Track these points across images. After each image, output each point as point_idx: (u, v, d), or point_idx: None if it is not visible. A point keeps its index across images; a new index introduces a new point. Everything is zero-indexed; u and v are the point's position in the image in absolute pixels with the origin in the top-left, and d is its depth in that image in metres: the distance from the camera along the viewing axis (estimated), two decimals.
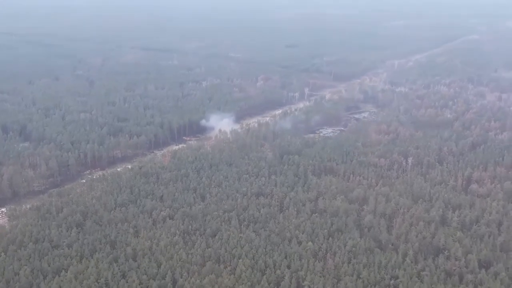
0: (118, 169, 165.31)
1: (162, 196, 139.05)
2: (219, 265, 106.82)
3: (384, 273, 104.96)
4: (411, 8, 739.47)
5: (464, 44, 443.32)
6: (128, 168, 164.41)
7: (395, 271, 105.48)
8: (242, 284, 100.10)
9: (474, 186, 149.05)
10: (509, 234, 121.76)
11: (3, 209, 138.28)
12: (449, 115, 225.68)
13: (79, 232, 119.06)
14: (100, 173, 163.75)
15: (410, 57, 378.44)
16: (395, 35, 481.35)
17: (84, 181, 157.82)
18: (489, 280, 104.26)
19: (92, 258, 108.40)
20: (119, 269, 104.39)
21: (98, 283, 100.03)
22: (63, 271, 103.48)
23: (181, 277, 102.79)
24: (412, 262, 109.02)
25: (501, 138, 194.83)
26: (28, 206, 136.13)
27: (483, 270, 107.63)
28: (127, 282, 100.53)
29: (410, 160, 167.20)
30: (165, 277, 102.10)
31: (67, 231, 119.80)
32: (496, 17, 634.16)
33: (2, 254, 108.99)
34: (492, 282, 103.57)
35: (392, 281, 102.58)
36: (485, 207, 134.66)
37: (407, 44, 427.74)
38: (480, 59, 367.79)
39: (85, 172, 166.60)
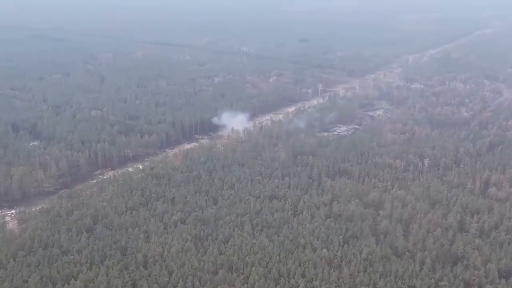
0: (129, 169, 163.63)
1: (173, 198, 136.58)
2: (231, 274, 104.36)
3: (401, 283, 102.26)
4: (423, 1, 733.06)
5: (478, 39, 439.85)
6: (139, 168, 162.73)
7: (412, 281, 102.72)
8: None
9: (492, 189, 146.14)
10: None
11: (12, 211, 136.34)
12: (465, 114, 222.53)
13: (89, 237, 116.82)
14: (111, 173, 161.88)
15: (424, 52, 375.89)
16: (409, 29, 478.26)
17: (94, 181, 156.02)
18: None
19: (102, 265, 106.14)
20: (129, 277, 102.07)
21: None
22: (72, 279, 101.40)
23: (193, 286, 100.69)
24: (429, 271, 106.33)
25: None
26: (37, 209, 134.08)
27: (503, 280, 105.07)
28: None
29: (426, 161, 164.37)
30: (177, 286, 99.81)
31: (77, 235, 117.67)
32: (510, 10, 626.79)
33: (11, 260, 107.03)
34: None
35: None
36: (504, 212, 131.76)
37: (421, 38, 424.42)
38: (495, 54, 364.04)
39: (96, 172, 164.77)
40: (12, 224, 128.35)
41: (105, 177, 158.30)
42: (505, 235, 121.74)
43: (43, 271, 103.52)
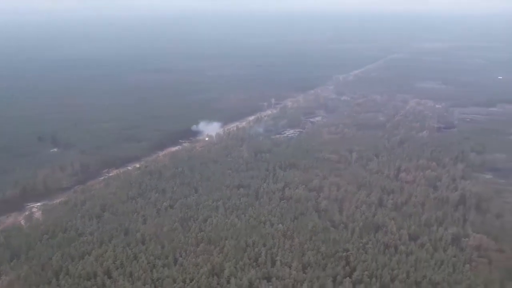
0: (129, 168, 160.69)
1: (164, 189, 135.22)
2: (210, 246, 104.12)
3: (338, 247, 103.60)
4: (347, 33, 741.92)
5: (390, 61, 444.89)
6: (137, 167, 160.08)
7: (346, 245, 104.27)
8: (229, 261, 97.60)
9: (403, 174, 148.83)
10: (430, 212, 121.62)
11: (38, 204, 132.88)
12: (381, 118, 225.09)
13: (99, 222, 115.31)
14: (115, 171, 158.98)
15: (350, 72, 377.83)
16: (338, 55, 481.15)
17: (102, 178, 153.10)
18: (417, 250, 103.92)
19: (110, 243, 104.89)
20: (131, 251, 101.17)
21: (115, 264, 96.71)
22: (86, 255, 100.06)
23: (181, 257, 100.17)
24: (358, 237, 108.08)
25: (421, 135, 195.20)
26: (58, 201, 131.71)
27: (412, 242, 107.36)
28: (138, 262, 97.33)
29: (354, 154, 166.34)
30: (168, 257, 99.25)
31: (89, 221, 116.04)
32: (412, 40, 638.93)
33: (38, 242, 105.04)
34: (419, 251, 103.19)
35: (344, 253, 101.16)
36: (412, 191, 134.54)
37: (348, 62, 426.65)
38: (402, 73, 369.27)
39: (104, 171, 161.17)
40: (38, 214, 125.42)
41: (110, 175, 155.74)
42: (413, 208, 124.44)
43: (63, 250, 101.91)
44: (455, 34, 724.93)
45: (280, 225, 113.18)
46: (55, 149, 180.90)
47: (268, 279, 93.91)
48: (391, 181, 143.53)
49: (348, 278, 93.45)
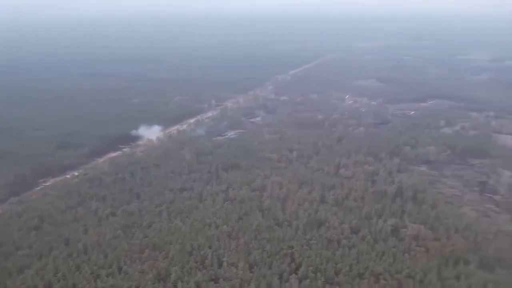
0: (68, 176, 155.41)
1: (104, 197, 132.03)
2: (155, 251, 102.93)
3: (283, 244, 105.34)
4: (287, 34, 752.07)
5: (327, 61, 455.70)
6: (75, 175, 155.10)
7: (290, 242, 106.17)
8: (175, 265, 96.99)
9: (342, 170, 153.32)
10: (370, 206, 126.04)
11: None
12: (320, 117, 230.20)
13: (37, 234, 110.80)
14: (53, 180, 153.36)
15: (289, 72, 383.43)
16: (277, 55, 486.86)
17: (39, 188, 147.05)
18: (359, 242, 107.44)
19: (50, 255, 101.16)
20: (73, 262, 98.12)
21: (56, 276, 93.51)
22: (26, 269, 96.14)
23: (125, 265, 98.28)
24: (302, 234, 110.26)
25: (358, 132, 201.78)
26: None
27: (354, 235, 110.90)
28: (80, 273, 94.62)
29: (294, 153, 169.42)
30: (112, 265, 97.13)
31: (27, 233, 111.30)
32: (350, 39, 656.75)
33: None
34: (361, 244, 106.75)
35: (289, 251, 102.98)
36: (351, 186, 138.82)
37: (286, 62, 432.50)
38: (339, 72, 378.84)
39: (40, 181, 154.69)
40: None
41: (47, 184, 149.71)
42: (354, 202, 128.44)
43: (1, 265, 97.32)
44: (391, 33, 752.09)
45: (225, 226, 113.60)
46: None
47: (216, 280, 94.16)
48: (332, 177, 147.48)
49: (294, 274, 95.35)
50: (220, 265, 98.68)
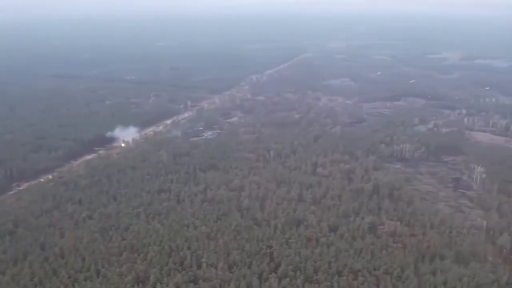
0: (42, 180, 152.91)
1: (80, 200, 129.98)
2: (133, 254, 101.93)
3: (262, 244, 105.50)
4: (261, 34, 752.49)
5: (302, 61, 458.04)
6: (50, 178, 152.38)
7: (269, 242, 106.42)
8: (154, 267, 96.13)
9: (319, 169, 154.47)
10: (347, 204, 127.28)
11: None
12: (296, 116, 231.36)
13: (12, 239, 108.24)
14: (26, 184, 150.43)
15: (264, 72, 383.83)
16: (252, 55, 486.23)
17: (12, 193, 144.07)
18: (337, 240, 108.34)
19: (25, 260, 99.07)
20: (50, 267, 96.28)
21: (33, 281, 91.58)
22: (1, 274, 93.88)
23: (103, 268, 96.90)
24: (281, 233, 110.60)
25: (334, 131, 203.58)
26: None
27: (332, 233, 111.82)
28: (58, 277, 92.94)
29: (272, 153, 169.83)
30: (90, 269, 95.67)
31: (1, 238, 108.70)
32: (324, 39, 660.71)
33: None
34: (339, 241, 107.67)
35: (268, 250, 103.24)
36: (329, 185, 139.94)
37: (262, 62, 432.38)
38: (314, 71, 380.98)
39: (13, 185, 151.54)
40: None
41: (21, 188, 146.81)
42: (331, 201, 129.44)
43: None
44: (366, 33, 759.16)
45: (204, 227, 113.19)
46: None
47: (195, 282, 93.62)
48: (309, 176, 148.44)
49: (273, 273, 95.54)
50: (199, 266, 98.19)
